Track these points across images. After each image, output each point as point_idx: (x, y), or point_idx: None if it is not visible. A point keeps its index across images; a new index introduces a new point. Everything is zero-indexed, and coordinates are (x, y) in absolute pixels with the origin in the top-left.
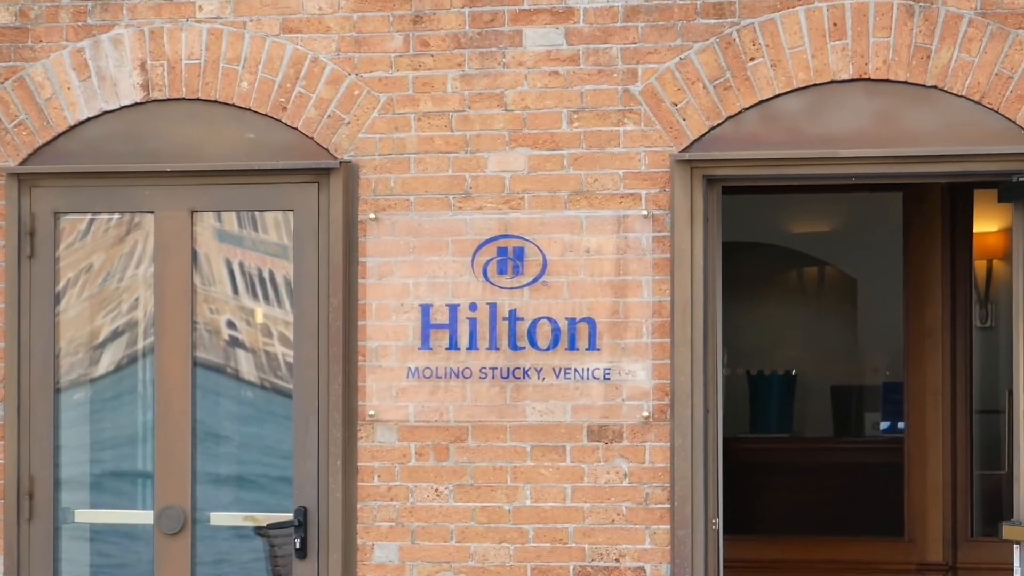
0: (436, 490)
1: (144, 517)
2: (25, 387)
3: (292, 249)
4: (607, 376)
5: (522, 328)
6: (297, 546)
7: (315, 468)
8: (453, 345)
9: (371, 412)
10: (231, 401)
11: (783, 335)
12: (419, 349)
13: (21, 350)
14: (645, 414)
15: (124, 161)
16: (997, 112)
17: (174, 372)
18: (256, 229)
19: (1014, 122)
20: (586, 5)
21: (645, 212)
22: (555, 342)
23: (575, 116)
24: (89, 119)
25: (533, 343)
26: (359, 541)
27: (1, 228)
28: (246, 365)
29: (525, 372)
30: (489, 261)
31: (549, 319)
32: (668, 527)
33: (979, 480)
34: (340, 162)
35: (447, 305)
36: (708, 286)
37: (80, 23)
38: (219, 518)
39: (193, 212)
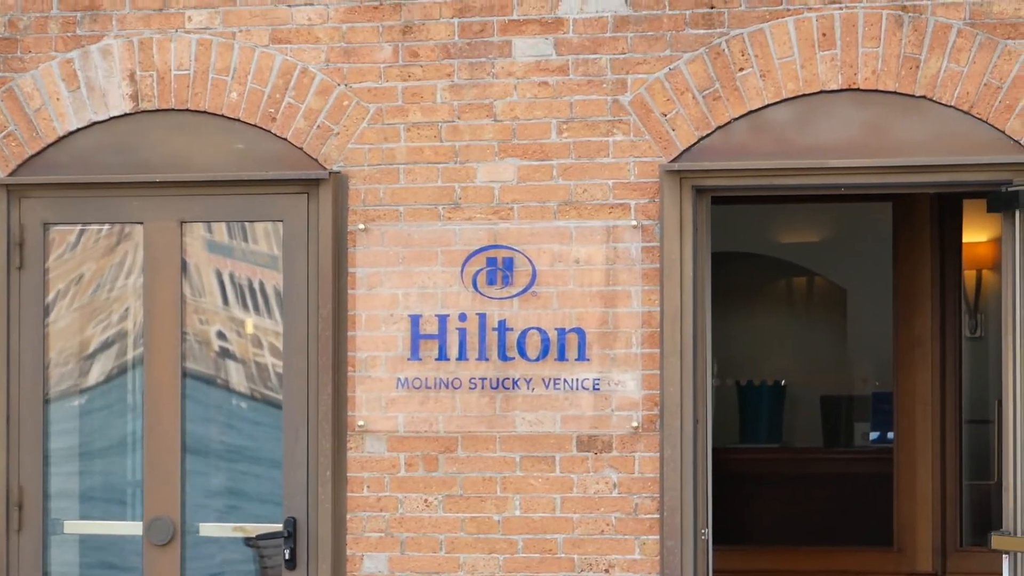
0: (426, 501)
1: (133, 528)
2: (15, 398)
3: (282, 259)
4: (596, 386)
5: (511, 338)
6: (287, 557)
7: (304, 479)
8: (442, 355)
9: (361, 423)
10: (221, 412)
11: (773, 345)
12: (408, 360)
13: (10, 361)
14: (635, 424)
15: (113, 172)
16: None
17: (164, 383)
18: (246, 240)
19: (1003, 132)
20: (575, 16)
21: (634, 222)
22: (544, 352)
23: (564, 126)
24: (78, 130)
25: (523, 353)
26: (348, 552)
27: None
28: (236, 376)
29: (515, 382)
30: (479, 271)
31: (539, 329)
32: (658, 537)
33: (968, 490)
34: (329, 172)
35: (436, 316)
36: (697, 296)
37: (69, 34)
38: (208, 529)
39: (182, 223)
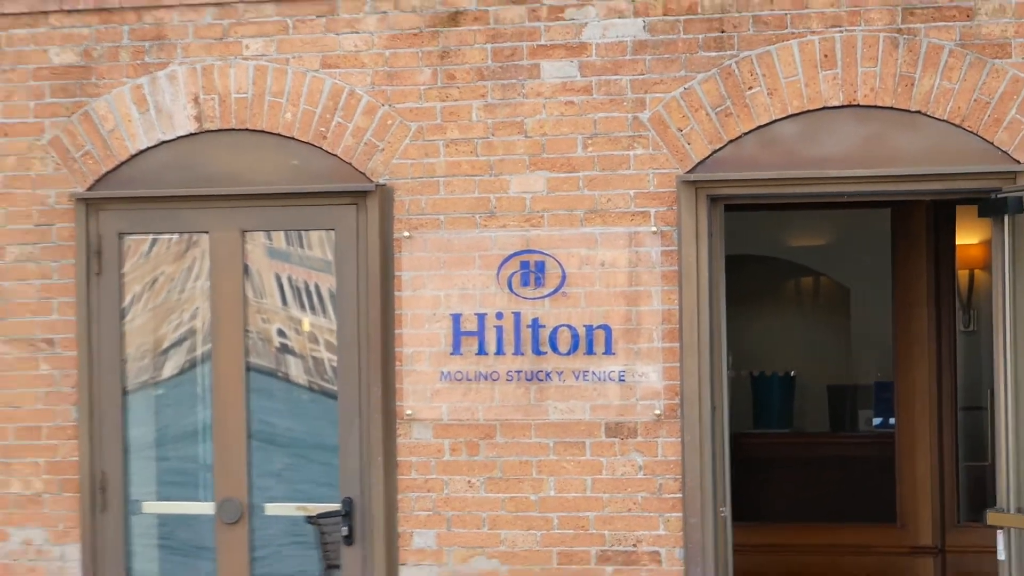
0: (469, 482)
1: (206, 508)
2: (97, 391)
3: (334, 264)
4: (622, 378)
5: (544, 335)
6: (345, 533)
7: (359, 463)
8: (482, 351)
9: (408, 412)
10: (282, 402)
11: (783, 339)
12: (451, 355)
13: (92, 357)
14: (657, 412)
15: (181, 186)
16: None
17: (230, 376)
18: (302, 246)
19: (992, 143)
20: (598, 40)
21: (654, 228)
22: (574, 347)
23: (589, 141)
24: (148, 148)
25: (554, 348)
26: (400, 529)
27: (72, 248)
28: (295, 369)
29: (547, 375)
30: (513, 274)
31: (569, 326)
32: (680, 515)
33: (965, 471)
34: (376, 185)
35: (475, 314)
36: (713, 295)
37: (139, 61)
38: (273, 508)
39: (244, 232)
